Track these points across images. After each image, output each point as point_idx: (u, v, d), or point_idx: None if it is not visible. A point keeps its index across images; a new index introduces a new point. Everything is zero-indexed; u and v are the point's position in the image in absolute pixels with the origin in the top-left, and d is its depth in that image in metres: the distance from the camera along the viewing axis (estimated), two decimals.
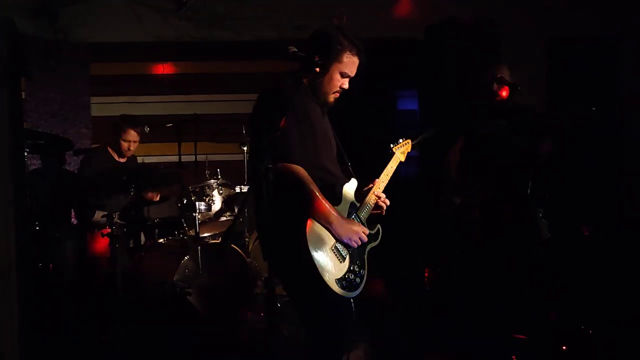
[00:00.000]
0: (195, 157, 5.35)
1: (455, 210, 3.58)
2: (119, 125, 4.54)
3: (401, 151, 2.66)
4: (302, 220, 2.20)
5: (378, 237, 2.44)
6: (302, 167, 2.22)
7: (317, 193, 2.21)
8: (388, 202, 2.50)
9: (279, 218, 2.15)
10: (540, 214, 3.16)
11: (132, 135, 4.51)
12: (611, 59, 5.53)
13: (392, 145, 2.63)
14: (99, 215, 4.15)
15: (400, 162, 2.64)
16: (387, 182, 2.53)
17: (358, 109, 4.98)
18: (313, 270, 2.16)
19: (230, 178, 4.57)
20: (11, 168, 2.27)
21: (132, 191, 4.01)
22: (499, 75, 3.54)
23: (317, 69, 2.35)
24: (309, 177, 2.21)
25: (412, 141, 2.69)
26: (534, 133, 3.42)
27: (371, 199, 2.46)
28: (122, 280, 3.82)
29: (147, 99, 5.75)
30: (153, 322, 3.66)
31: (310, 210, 2.21)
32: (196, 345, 3.72)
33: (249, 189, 2.12)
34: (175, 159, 5.12)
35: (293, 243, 2.18)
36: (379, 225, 2.45)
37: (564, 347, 3.42)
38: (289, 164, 2.19)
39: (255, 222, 2.39)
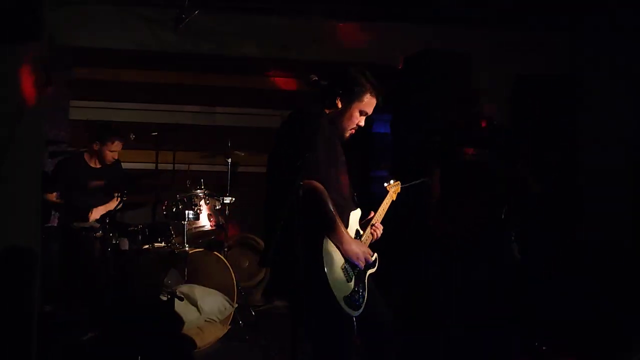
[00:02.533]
0: (174, 166, 5.43)
1: (446, 236, 3.80)
2: (104, 134, 4.57)
3: (393, 190, 2.89)
4: (319, 239, 2.37)
5: (375, 265, 2.66)
6: (324, 185, 2.38)
7: (333, 211, 2.39)
8: (379, 231, 2.69)
9: (301, 235, 2.25)
10: (513, 237, 3.43)
11: (119, 146, 4.59)
12: (570, 95, 6.01)
13: (385, 185, 2.87)
14: (93, 217, 4.18)
15: (393, 200, 2.87)
16: (383, 215, 2.77)
17: None
18: (326, 287, 2.34)
19: (212, 189, 4.69)
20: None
21: (122, 196, 4.06)
22: (479, 111, 3.85)
23: (340, 104, 2.56)
24: (328, 196, 2.38)
25: (401, 184, 2.93)
26: (511, 156, 3.70)
27: (369, 229, 2.68)
28: (110, 283, 3.86)
29: (127, 105, 5.78)
30: (140, 326, 3.71)
31: (327, 228, 2.39)
32: (179, 351, 3.81)
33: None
34: (152, 166, 5.18)
35: (311, 258, 2.33)
36: (376, 254, 2.66)
37: None
38: (313, 181, 2.35)
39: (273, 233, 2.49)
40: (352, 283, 2.46)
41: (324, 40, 5.86)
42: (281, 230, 2.14)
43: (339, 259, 2.43)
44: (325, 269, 2.34)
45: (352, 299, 2.44)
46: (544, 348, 3.81)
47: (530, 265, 3.77)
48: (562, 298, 4.23)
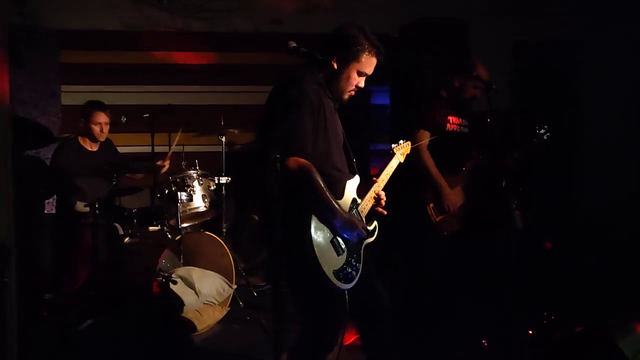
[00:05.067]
0: (169, 148, 5.33)
1: (432, 215, 3.69)
2: (86, 110, 4.50)
3: (401, 152, 2.74)
4: (307, 212, 2.27)
5: (374, 234, 2.53)
6: (311, 161, 2.26)
7: (323, 187, 2.27)
8: (384, 199, 2.57)
9: (286, 208, 2.16)
10: (514, 205, 3.31)
11: (102, 117, 4.47)
12: (572, 62, 5.86)
13: (393, 146, 2.71)
14: (80, 205, 4.11)
15: (400, 163, 2.73)
16: (387, 180, 2.62)
17: None
18: (314, 260, 2.24)
19: (207, 169, 4.60)
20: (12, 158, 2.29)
21: (115, 181, 3.97)
22: (475, 74, 3.68)
23: (335, 65, 2.39)
24: (316, 171, 2.27)
25: (411, 144, 2.78)
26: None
27: (371, 196, 2.54)
28: (105, 269, 3.81)
29: (119, 88, 5.66)
30: (138, 311, 3.67)
31: (315, 204, 2.27)
32: (178, 335, 3.76)
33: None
34: (148, 149, 5.06)
35: (297, 233, 2.24)
36: (375, 223, 2.53)
37: (530, 332, 3.61)
38: (298, 158, 2.24)
39: (259, 208, 2.41)
40: (344, 256, 2.36)
41: (316, 11, 5.69)
42: (265, 207, 2.05)
43: (327, 233, 2.32)
44: (313, 244, 2.25)
45: (343, 272, 2.34)
46: (552, 317, 3.73)
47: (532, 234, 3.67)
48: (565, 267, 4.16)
